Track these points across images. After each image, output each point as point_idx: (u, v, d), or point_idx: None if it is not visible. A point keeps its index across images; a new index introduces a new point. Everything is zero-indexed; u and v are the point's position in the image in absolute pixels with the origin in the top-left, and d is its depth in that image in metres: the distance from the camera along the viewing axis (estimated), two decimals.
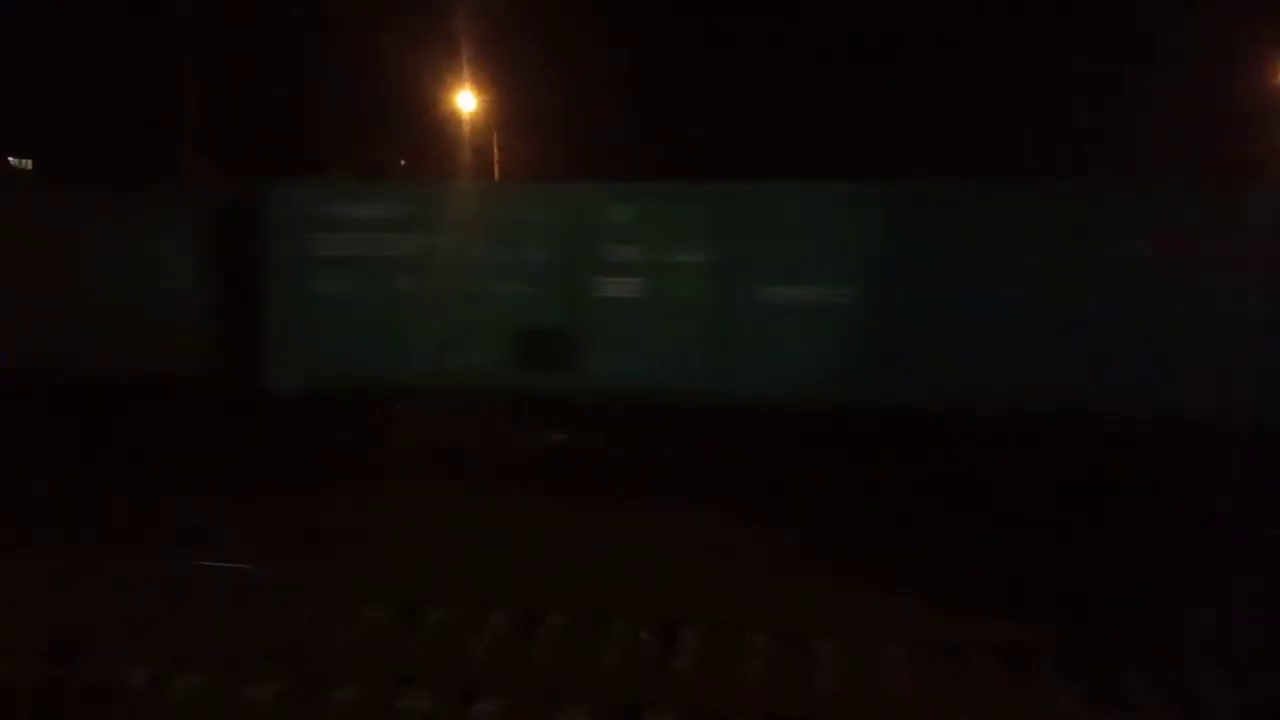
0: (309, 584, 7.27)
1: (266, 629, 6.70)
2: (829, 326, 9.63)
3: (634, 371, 9.95)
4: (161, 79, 21.55)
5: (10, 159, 29.64)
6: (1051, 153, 26.40)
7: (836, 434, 9.62)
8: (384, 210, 10.67)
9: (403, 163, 33.76)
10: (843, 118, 31.37)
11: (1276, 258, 9.06)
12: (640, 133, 32.02)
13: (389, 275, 10.53)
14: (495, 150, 33.55)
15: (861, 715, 5.67)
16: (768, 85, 32.70)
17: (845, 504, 9.33)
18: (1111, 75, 28.02)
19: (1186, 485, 8.84)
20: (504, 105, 32.54)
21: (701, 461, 9.95)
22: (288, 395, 10.59)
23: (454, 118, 31.50)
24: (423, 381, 10.37)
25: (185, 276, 10.98)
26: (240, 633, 6.65)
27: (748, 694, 5.81)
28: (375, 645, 6.51)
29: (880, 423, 9.49)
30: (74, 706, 5.59)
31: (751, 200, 10.04)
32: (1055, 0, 31.48)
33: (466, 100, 31.07)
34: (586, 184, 10.64)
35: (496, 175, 33.04)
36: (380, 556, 8.07)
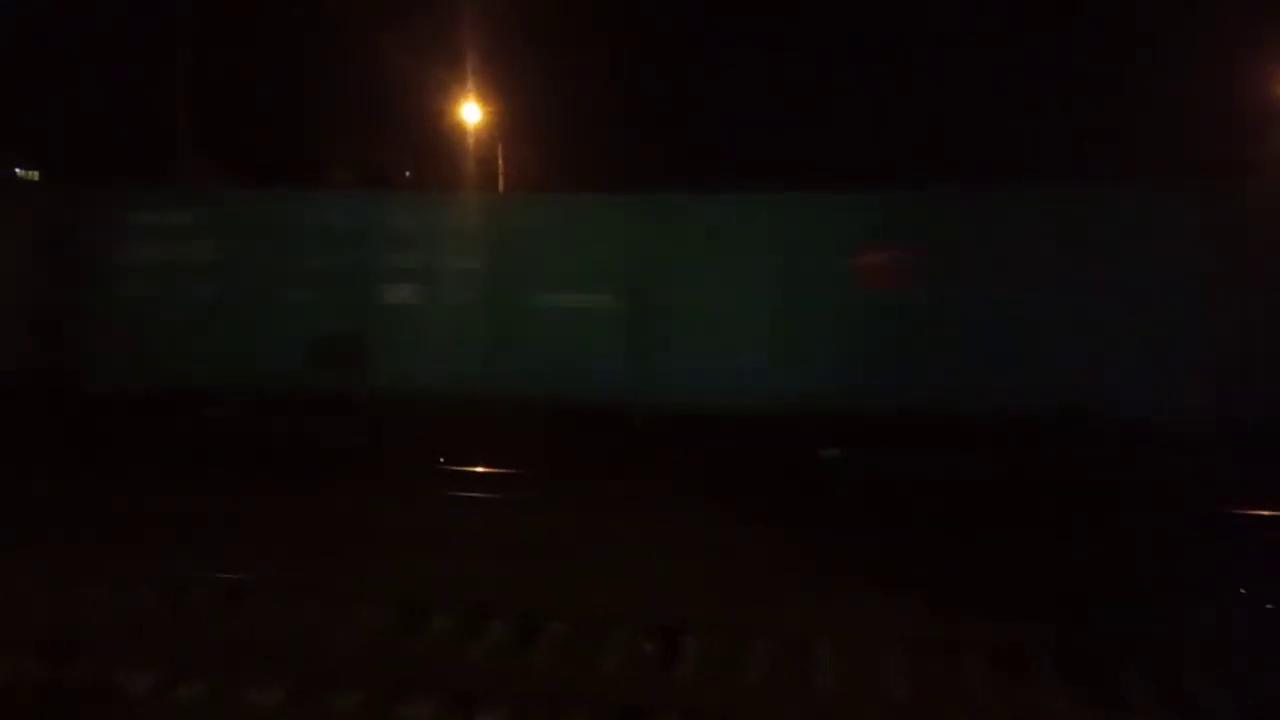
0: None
1: None
2: (596, 329, 10.11)
3: (416, 372, 10.41)
4: (162, 79, 21.68)
5: (17, 170, 29.84)
6: (1051, 153, 26.36)
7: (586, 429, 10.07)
8: (188, 218, 11.10)
9: (408, 173, 33.91)
10: (845, 119, 31.44)
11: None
12: (640, 135, 32.09)
13: (192, 280, 10.94)
14: (500, 161, 33.64)
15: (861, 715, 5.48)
16: (769, 90, 32.80)
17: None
18: (1111, 75, 28.03)
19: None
20: (508, 115, 32.64)
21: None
22: (99, 395, 10.84)
23: (459, 127, 31.59)
24: (226, 382, 10.80)
25: (10, 278, 11.27)
26: None
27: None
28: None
29: (653, 420, 9.91)
30: None
31: (523, 209, 10.80)
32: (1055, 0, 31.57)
33: (471, 112, 31.15)
34: (371, 192, 11.24)
35: (501, 185, 33.14)
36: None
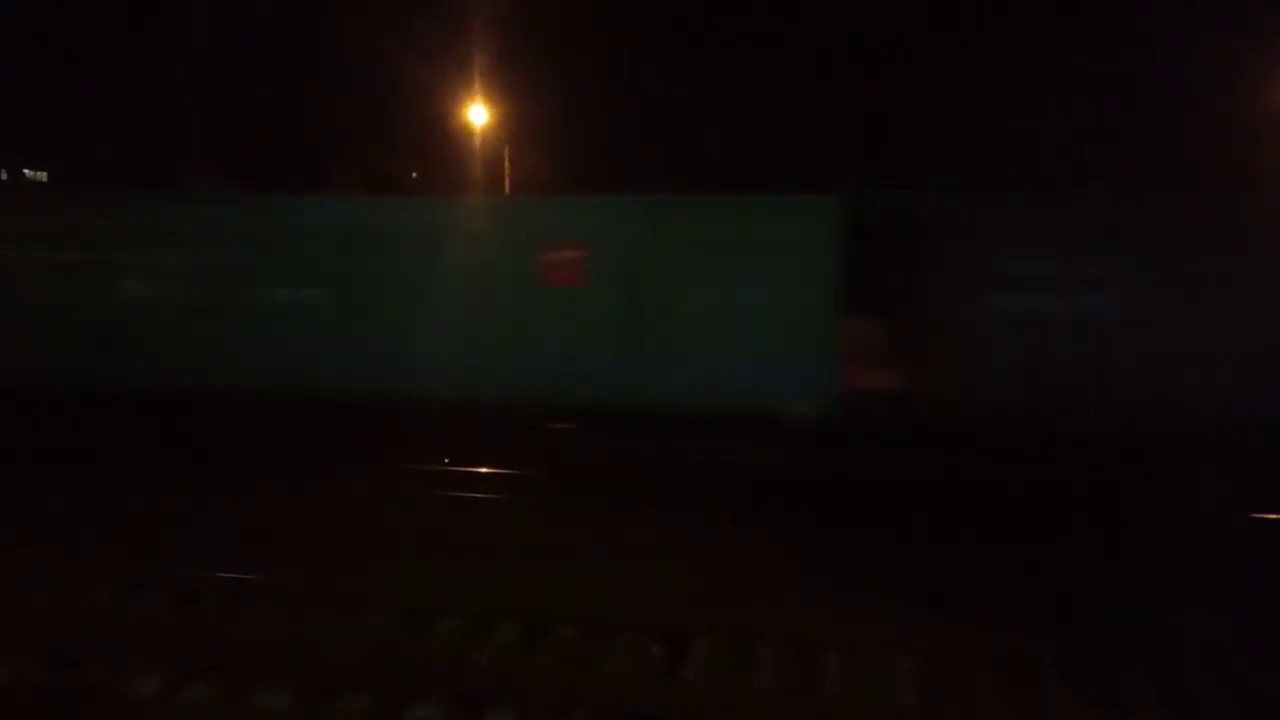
0: None
1: None
2: (306, 323, 10.73)
3: (159, 369, 10.85)
4: (165, 81, 21.88)
5: (26, 171, 30.13)
6: (1053, 158, 26.47)
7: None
8: None
9: (415, 175, 34.11)
10: (844, 120, 31.53)
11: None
12: (645, 135, 32.20)
13: None
14: (506, 163, 33.80)
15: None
16: (771, 94, 32.89)
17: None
18: (1113, 82, 28.11)
19: None
20: (516, 118, 32.78)
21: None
22: None
23: (465, 130, 31.73)
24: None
25: None
26: None
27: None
28: None
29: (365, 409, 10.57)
30: None
31: (246, 210, 11.34)
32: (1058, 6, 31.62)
33: (478, 114, 31.27)
34: (105, 192, 12.01)
35: (508, 187, 33.31)
36: None
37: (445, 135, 31.59)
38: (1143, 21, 26.46)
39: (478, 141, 31.67)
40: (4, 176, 28.17)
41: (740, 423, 9.91)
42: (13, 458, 10.34)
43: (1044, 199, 9.94)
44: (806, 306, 9.78)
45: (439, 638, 6.44)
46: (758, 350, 9.87)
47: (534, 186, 32.85)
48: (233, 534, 8.60)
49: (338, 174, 26.98)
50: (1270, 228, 9.33)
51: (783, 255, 9.89)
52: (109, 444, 10.74)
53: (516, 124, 32.89)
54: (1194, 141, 24.95)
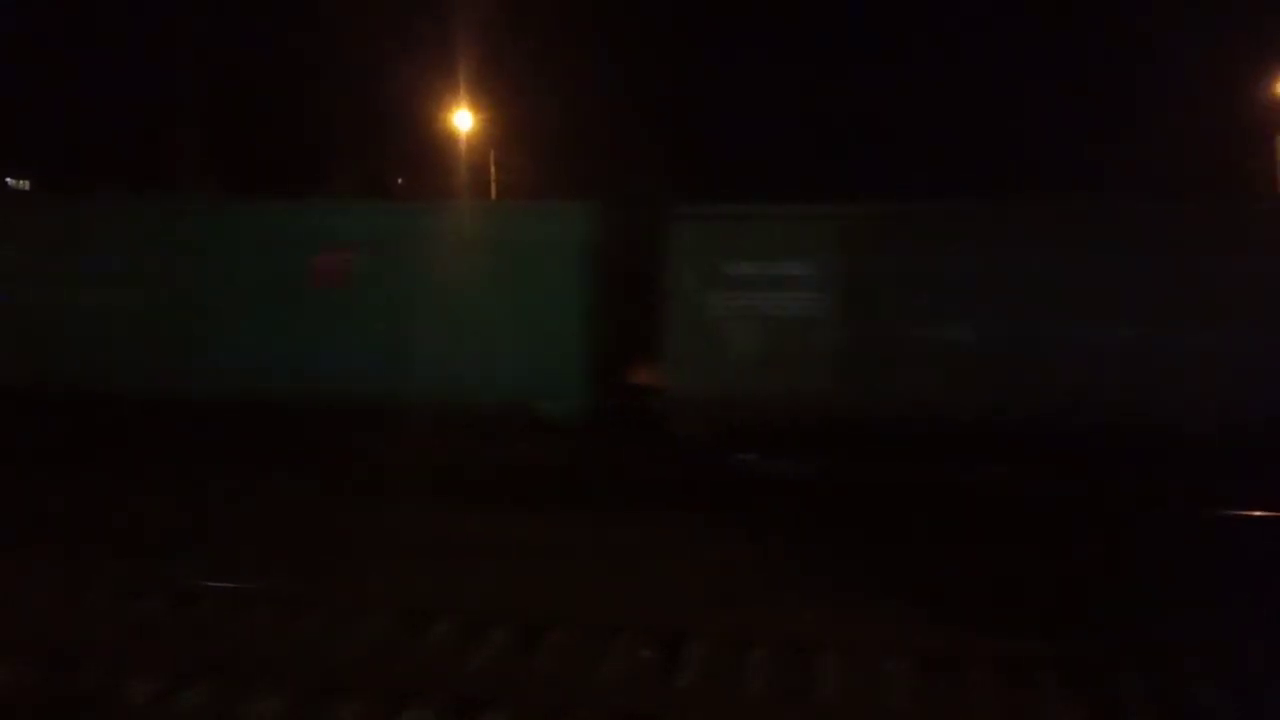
0: None
1: None
2: (125, 324, 10.74)
3: None
4: (162, 89, 21.61)
5: (8, 180, 29.67)
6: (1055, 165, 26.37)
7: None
8: None
9: (400, 180, 33.79)
10: (845, 120, 31.40)
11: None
12: (640, 135, 31.88)
13: None
14: (492, 168, 33.51)
15: None
16: (771, 94, 32.75)
17: None
18: (1113, 86, 28.09)
19: None
20: (501, 122, 32.52)
21: None
22: None
23: (451, 134, 31.45)
24: None
25: None
26: None
27: None
28: None
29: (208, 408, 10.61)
30: None
31: (70, 211, 11.46)
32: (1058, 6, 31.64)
33: (463, 119, 31.01)
34: None
35: (493, 192, 33.01)
36: None
37: (434, 140, 31.39)
38: (1143, 21, 26.39)
39: (463, 147, 31.39)
40: None
41: (502, 419, 10.26)
42: None
43: (771, 209, 10.36)
44: (561, 307, 10.11)
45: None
46: (516, 349, 10.22)
47: (521, 191, 32.58)
48: None
49: (338, 175, 26.68)
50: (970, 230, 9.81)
51: (538, 258, 10.22)
52: None
53: (506, 128, 32.64)
54: (1194, 141, 24.91)
